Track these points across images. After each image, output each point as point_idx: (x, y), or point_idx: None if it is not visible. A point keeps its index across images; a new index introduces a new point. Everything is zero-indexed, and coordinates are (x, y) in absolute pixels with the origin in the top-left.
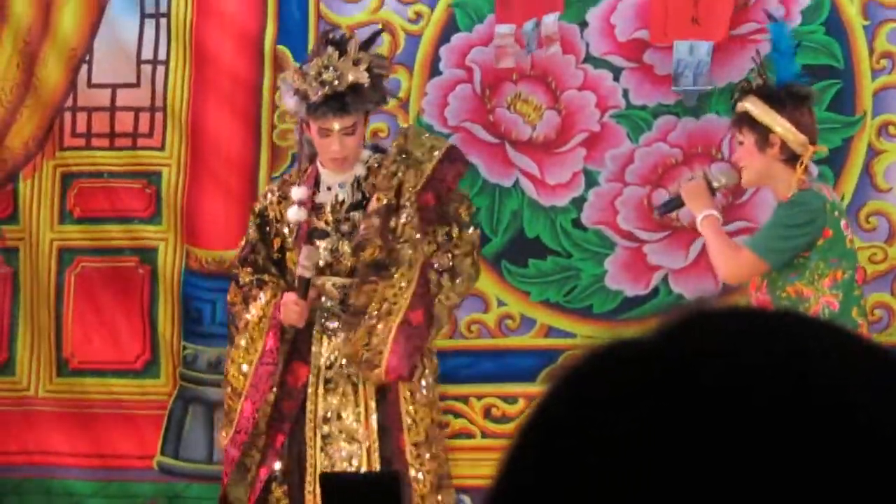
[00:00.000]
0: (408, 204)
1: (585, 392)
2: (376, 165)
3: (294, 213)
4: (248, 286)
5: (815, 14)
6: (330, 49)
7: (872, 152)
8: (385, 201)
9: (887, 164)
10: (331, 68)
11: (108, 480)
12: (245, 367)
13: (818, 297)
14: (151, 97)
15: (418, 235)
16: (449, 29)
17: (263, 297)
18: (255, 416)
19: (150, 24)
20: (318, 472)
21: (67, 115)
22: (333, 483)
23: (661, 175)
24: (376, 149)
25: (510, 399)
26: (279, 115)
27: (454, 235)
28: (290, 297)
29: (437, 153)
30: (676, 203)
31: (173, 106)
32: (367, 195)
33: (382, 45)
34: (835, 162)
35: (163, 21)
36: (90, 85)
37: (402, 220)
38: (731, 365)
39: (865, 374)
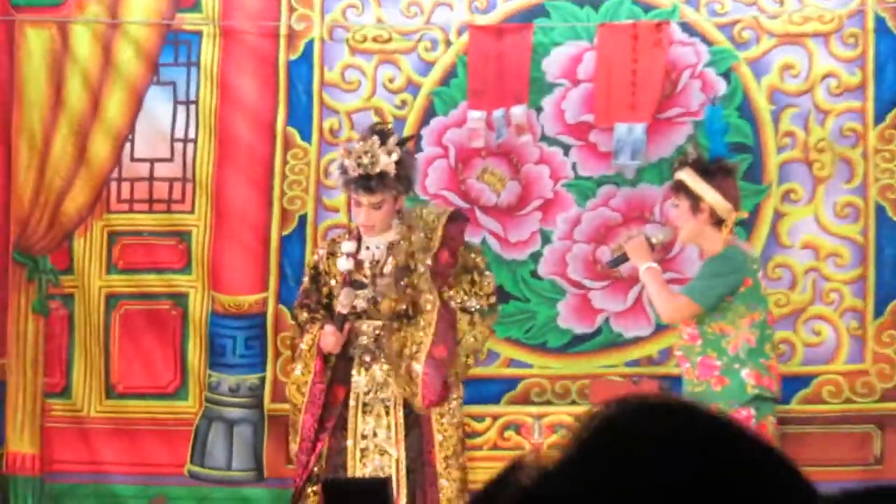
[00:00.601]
0: (419, 262)
1: None
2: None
3: (343, 263)
4: (304, 322)
5: (730, 100)
6: (375, 137)
7: (778, 215)
8: (397, 264)
9: (790, 224)
10: (370, 154)
11: (147, 485)
12: (303, 388)
13: (738, 334)
14: (183, 170)
15: (432, 285)
16: (428, 113)
17: (315, 328)
18: (315, 425)
19: (182, 110)
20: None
21: (113, 185)
22: (333, 486)
23: (605, 234)
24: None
25: (479, 418)
26: (288, 184)
27: (477, 281)
28: (329, 327)
29: (443, 218)
30: (622, 258)
31: (201, 177)
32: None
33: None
34: (747, 223)
35: (192, 107)
36: (132, 159)
37: (418, 275)
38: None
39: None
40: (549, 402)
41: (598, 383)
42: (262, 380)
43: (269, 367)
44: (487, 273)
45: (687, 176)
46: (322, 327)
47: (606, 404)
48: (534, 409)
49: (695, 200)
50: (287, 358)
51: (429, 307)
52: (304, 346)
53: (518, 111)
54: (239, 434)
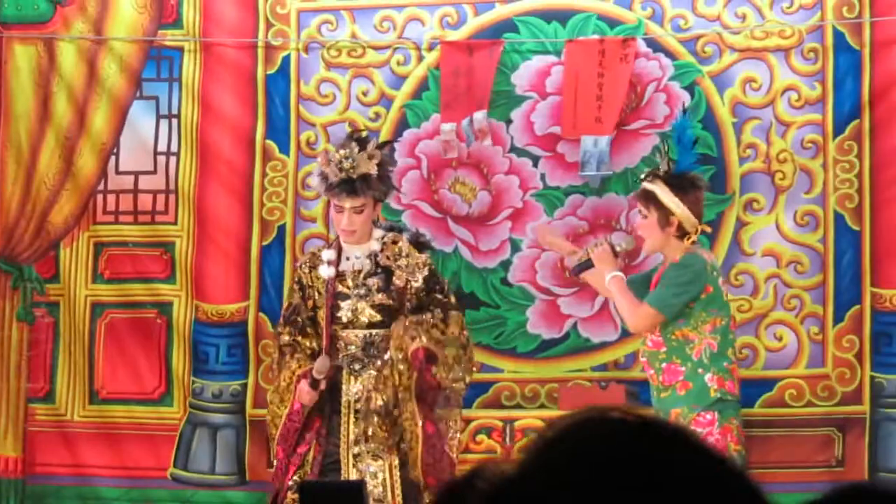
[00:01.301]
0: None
1: None
2: (390, 242)
3: (325, 271)
4: (286, 346)
5: (694, 113)
6: (353, 144)
7: (740, 224)
8: (386, 402)
9: (752, 233)
10: (350, 159)
11: (131, 488)
12: (277, 420)
13: (701, 340)
14: (166, 182)
15: (418, 416)
16: (401, 126)
17: (293, 364)
18: (286, 460)
19: (164, 124)
20: None
21: (99, 196)
22: (309, 489)
23: (572, 242)
24: (391, 228)
25: None
26: (267, 195)
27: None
28: (304, 385)
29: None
30: (587, 265)
31: (184, 189)
32: (381, 266)
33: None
34: (710, 231)
35: (174, 121)
36: (117, 172)
37: (403, 407)
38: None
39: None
40: (519, 406)
41: (567, 389)
42: (244, 386)
43: (250, 373)
44: (458, 311)
45: (659, 189)
46: (300, 364)
47: (564, 416)
48: (504, 413)
49: (664, 214)
50: (268, 365)
51: (415, 446)
52: (283, 381)
53: (478, 116)
54: (222, 438)
